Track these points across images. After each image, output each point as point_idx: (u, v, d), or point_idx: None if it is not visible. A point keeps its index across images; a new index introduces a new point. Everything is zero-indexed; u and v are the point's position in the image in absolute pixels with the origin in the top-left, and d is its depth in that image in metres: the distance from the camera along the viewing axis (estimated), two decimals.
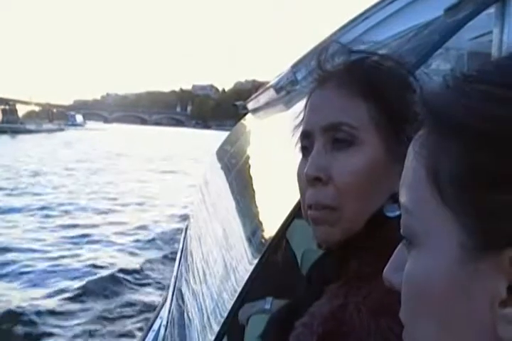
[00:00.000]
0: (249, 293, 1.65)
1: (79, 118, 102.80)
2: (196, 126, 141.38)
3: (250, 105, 5.25)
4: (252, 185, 2.53)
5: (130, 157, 30.06)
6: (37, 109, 76.40)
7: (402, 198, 0.46)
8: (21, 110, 68.12)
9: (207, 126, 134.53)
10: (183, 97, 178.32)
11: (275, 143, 2.41)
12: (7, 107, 61.87)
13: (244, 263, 1.75)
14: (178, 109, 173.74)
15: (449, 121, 0.42)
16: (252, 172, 2.71)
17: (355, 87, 0.81)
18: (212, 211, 3.16)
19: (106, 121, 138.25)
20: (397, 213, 0.72)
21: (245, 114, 6.02)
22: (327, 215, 0.80)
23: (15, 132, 52.09)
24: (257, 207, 2.16)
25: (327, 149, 0.81)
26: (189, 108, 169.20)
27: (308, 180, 0.80)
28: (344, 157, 0.80)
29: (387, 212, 0.77)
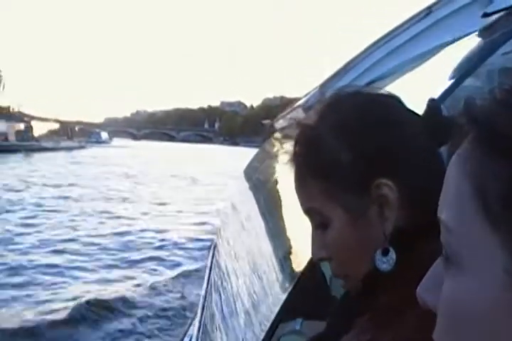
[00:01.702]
0: (282, 315, 1.63)
1: (104, 135, 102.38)
2: (224, 142, 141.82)
3: (278, 124, 5.24)
4: (281, 206, 2.51)
5: (133, 179, 27.98)
6: (56, 126, 74.74)
7: (442, 214, 0.44)
8: (40, 128, 66.04)
9: (235, 143, 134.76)
10: (211, 114, 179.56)
11: None
12: (22, 124, 60.15)
13: (277, 286, 1.73)
14: (206, 126, 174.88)
15: (499, 139, 0.40)
16: (282, 193, 2.69)
17: (303, 167, 0.84)
18: (241, 232, 3.14)
19: (134, 138, 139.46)
20: (390, 268, 0.77)
21: (273, 133, 5.99)
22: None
23: (30, 150, 50.26)
24: (287, 229, 2.14)
25: (317, 231, 0.84)
26: (217, 124, 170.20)
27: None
28: (328, 238, 0.83)
29: (379, 266, 0.78)
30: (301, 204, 0.85)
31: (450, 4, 2.60)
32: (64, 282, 8.74)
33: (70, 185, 23.21)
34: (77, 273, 9.30)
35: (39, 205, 16.55)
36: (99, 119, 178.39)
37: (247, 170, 5.30)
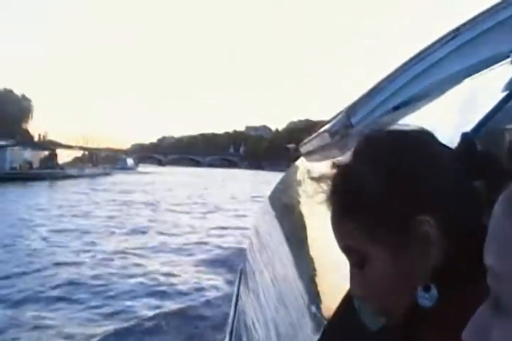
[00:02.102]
0: None
1: (129, 161, 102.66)
2: (249, 166, 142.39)
3: (303, 148, 5.21)
4: (307, 235, 2.47)
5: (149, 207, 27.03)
6: (80, 153, 74.82)
7: (489, 259, 0.41)
8: (66, 155, 66.36)
9: (260, 167, 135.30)
10: (237, 138, 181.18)
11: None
12: (46, 152, 60.36)
13: (307, 318, 1.67)
14: (232, 150, 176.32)
15: None
16: (307, 221, 2.65)
17: (341, 206, 0.85)
18: (267, 259, 3.10)
19: (160, 163, 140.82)
20: (431, 304, 0.77)
21: (298, 157, 5.97)
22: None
23: (54, 178, 50.29)
24: (314, 257, 2.09)
25: (356, 269, 0.85)
26: (242, 149, 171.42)
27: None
28: (367, 277, 0.83)
29: (421, 303, 0.79)
30: (339, 242, 0.86)
31: (478, 26, 2.56)
32: (69, 318, 8.52)
33: (85, 214, 22.59)
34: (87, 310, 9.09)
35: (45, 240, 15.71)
36: (125, 146, 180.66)
37: (272, 196, 5.26)
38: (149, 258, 13.48)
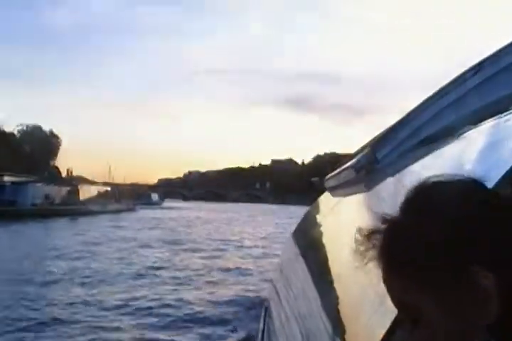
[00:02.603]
0: None
1: (154, 196, 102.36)
2: (275, 201, 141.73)
3: (328, 183, 5.17)
4: (332, 273, 2.41)
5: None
6: (103, 189, 73.21)
7: None
8: (89, 191, 65.23)
9: (285, 202, 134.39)
10: (262, 172, 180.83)
11: (355, 227, 2.36)
12: (68, 188, 59.28)
13: None
14: (257, 185, 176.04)
15: None
16: (332, 258, 2.59)
17: (394, 261, 0.82)
18: (292, 297, 3.04)
19: (186, 198, 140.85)
20: None
21: (323, 192, 5.89)
22: None
23: (75, 214, 49.75)
24: (339, 296, 2.03)
25: (408, 325, 0.81)
26: (267, 183, 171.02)
27: None
28: (421, 335, 0.79)
29: None
30: (392, 298, 0.84)
31: (500, 61, 2.56)
32: None
33: (94, 254, 22.00)
34: None
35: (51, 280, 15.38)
36: (153, 181, 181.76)
37: (296, 232, 5.17)
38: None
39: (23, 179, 54.26)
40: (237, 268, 19.27)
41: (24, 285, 14.41)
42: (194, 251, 24.48)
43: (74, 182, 68.45)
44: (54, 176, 66.15)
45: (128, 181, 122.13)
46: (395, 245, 0.82)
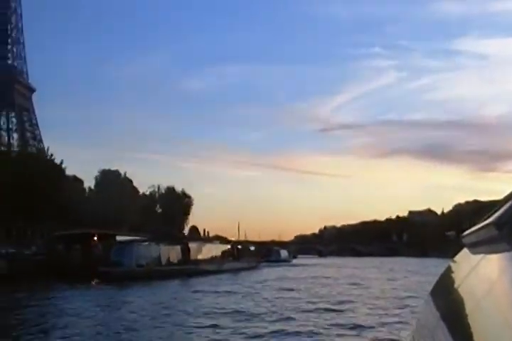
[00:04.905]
0: None
1: (283, 253, 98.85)
2: (412, 254, 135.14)
3: (467, 239, 4.04)
4: None
5: None
6: (226, 247, 70.14)
7: None
8: (209, 249, 62.15)
9: (425, 254, 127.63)
10: (399, 225, 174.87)
11: (502, 290, 1.92)
12: (178, 246, 54.89)
13: None
14: (394, 238, 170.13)
15: None
16: (473, 326, 1.98)
17: None
18: None
19: (321, 254, 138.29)
20: None
21: (461, 247, 4.76)
22: None
23: (186, 274, 46.92)
24: None
25: None
26: (405, 235, 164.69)
27: None
28: None
29: None
30: None
31: None
32: None
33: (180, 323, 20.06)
34: None
35: None
36: (289, 238, 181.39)
37: (434, 292, 4.12)
38: None
39: (128, 238, 51.72)
40: None
41: None
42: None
43: (214, 241, 68.17)
44: (170, 235, 64.39)
45: (263, 239, 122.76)
46: None
